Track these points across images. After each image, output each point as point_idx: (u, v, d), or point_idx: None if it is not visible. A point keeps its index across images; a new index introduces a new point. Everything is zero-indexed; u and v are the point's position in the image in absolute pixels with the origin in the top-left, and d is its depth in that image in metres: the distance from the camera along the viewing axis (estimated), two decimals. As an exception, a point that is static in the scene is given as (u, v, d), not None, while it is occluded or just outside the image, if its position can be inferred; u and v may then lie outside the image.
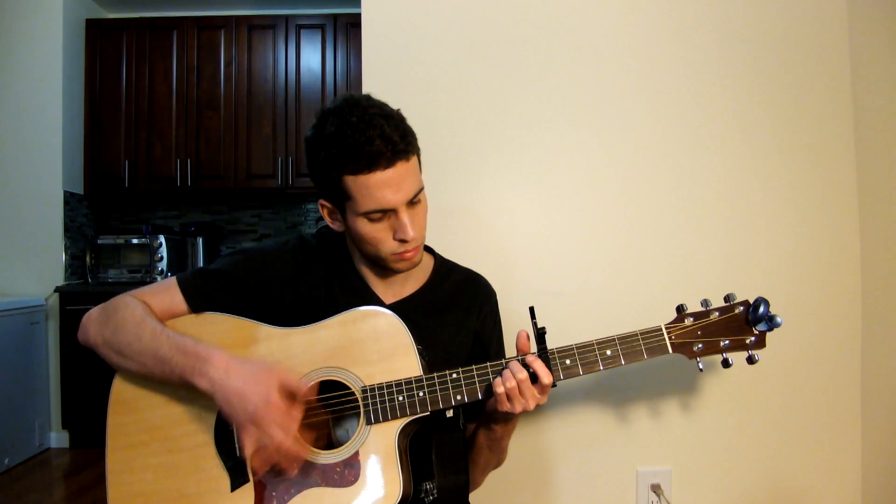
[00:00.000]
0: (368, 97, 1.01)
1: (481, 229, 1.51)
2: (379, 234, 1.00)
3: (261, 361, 0.97)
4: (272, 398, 0.91)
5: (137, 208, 3.94)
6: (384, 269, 1.07)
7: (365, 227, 1.00)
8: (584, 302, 1.50)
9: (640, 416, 1.50)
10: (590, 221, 1.51)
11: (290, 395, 0.93)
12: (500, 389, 0.96)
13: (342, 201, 1.00)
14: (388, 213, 0.98)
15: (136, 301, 1.04)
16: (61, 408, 3.28)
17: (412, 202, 1.00)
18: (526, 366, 0.97)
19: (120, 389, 1.05)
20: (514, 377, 0.96)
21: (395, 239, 1.00)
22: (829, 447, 1.50)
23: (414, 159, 1.00)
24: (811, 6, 1.50)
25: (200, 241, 3.73)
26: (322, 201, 1.05)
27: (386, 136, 0.94)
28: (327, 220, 1.08)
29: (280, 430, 0.90)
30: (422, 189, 1.02)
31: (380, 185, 0.95)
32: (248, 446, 0.92)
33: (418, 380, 0.98)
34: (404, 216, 0.98)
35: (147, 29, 3.59)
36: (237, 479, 0.99)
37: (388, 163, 0.94)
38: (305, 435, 1.00)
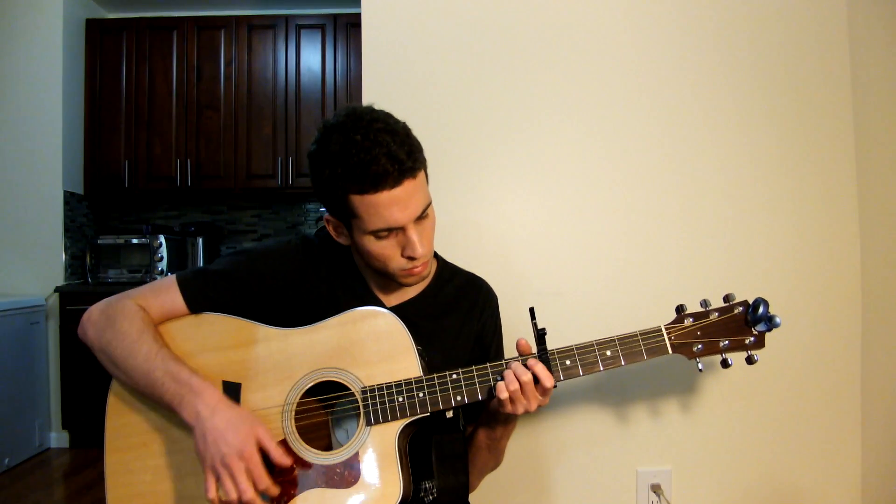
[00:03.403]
0: (372, 109, 0.99)
1: (481, 229, 1.51)
2: (387, 252, 0.99)
3: (248, 412, 0.97)
4: (246, 451, 0.92)
5: (137, 208, 3.93)
6: (392, 282, 1.07)
7: (372, 244, 0.98)
8: (584, 302, 1.50)
9: (640, 416, 1.50)
10: (589, 222, 1.51)
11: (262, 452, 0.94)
12: (503, 395, 0.96)
13: (348, 219, 0.99)
14: (395, 230, 0.97)
15: (136, 308, 1.03)
16: (61, 408, 3.28)
17: (420, 217, 0.98)
18: (527, 367, 0.97)
19: (118, 391, 1.05)
20: (518, 379, 0.96)
21: (403, 256, 0.99)
22: (829, 447, 1.50)
23: (421, 175, 0.98)
24: (811, 6, 1.50)
25: (200, 241, 3.73)
26: (328, 216, 1.04)
27: (392, 155, 0.91)
28: (332, 235, 1.07)
29: (244, 484, 0.91)
30: (430, 204, 1.00)
31: (387, 204, 0.93)
32: (212, 488, 0.92)
33: (418, 380, 0.98)
34: (412, 233, 0.97)
35: (147, 29, 3.59)
36: (237, 480, 0.99)
37: (395, 182, 0.93)
38: (305, 436, 1.01)
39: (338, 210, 0.99)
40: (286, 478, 0.98)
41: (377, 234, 0.97)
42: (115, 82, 3.58)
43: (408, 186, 0.94)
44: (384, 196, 0.93)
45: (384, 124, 0.95)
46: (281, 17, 3.62)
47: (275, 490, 0.94)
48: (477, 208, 1.51)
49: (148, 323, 1.02)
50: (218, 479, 0.92)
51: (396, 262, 1.00)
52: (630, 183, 1.50)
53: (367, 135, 0.92)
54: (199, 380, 0.97)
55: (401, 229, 0.97)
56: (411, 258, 0.99)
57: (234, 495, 0.91)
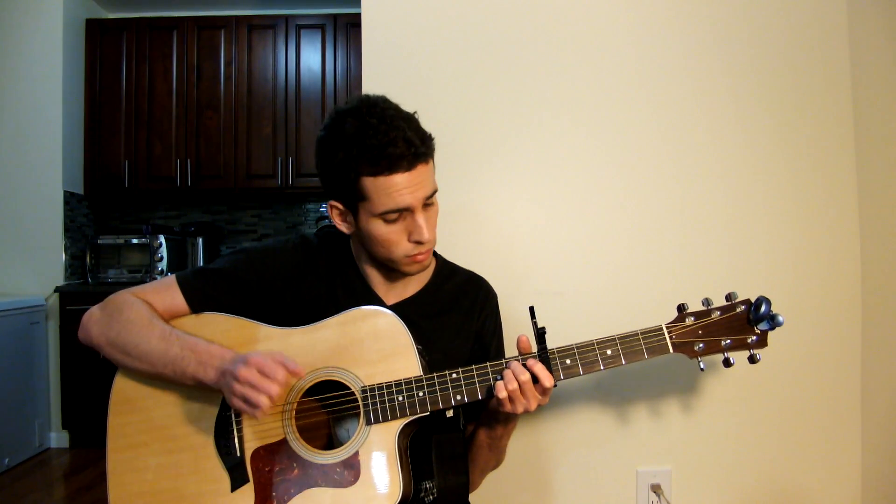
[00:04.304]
0: (384, 98, 1.01)
1: (482, 229, 1.51)
2: (393, 236, 1.00)
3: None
4: (251, 356, 0.92)
5: (137, 208, 3.93)
6: (393, 271, 1.07)
7: (380, 228, 0.99)
8: (585, 301, 1.50)
9: (641, 416, 1.50)
10: (590, 221, 1.51)
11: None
12: (502, 394, 0.96)
13: (356, 202, 1.00)
14: (404, 214, 0.98)
15: (139, 300, 1.04)
16: (61, 408, 3.28)
17: (427, 204, 1.00)
18: (527, 367, 0.97)
19: (120, 390, 1.05)
20: (517, 379, 0.96)
21: (409, 241, 1.00)
22: (829, 447, 1.50)
23: (431, 162, 1.00)
24: (811, 6, 1.50)
25: (200, 241, 3.73)
26: (333, 202, 1.04)
27: (408, 139, 0.94)
28: (336, 222, 1.07)
29: (265, 381, 0.90)
30: (436, 191, 1.02)
31: (398, 187, 0.95)
32: (243, 407, 0.91)
33: (418, 380, 0.98)
34: (420, 218, 0.99)
35: (147, 29, 3.59)
36: (237, 480, 0.99)
37: (409, 165, 0.95)
38: (305, 435, 1.01)
39: (346, 194, 1.00)
40: (286, 477, 0.98)
41: (386, 216, 0.98)
42: (115, 82, 3.58)
43: (420, 171, 0.96)
44: (397, 178, 0.95)
45: (397, 111, 0.98)
46: (281, 17, 3.62)
47: (295, 368, 0.93)
48: (478, 208, 1.51)
49: (154, 311, 1.04)
50: (244, 400, 0.91)
51: (402, 248, 1.01)
52: (631, 182, 1.50)
53: (383, 119, 0.95)
54: (217, 346, 0.98)
55: (409, 213, 0.98)
56: (418, 243, 1.00)
57: (263, 400, 0.89)
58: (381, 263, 1.07)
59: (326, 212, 1.07)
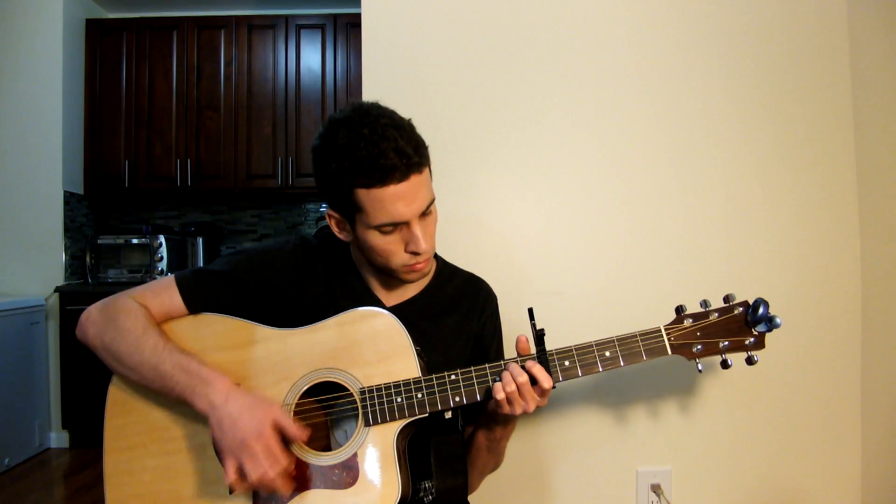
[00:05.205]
0: (378, 105, 0.99)
1: (481, 229, 1.51)
2: (390, 247, 0.99)
3: (262, 397, 0.97)
4: (265, 431, 0.92)
5: (137, 208, 3.94)
6: (393, 279, 1.07)
7: (376, 239, 0.99)
8: (584, 303, 1.49)
9: (640, 416, 1.50)
10: (589, 222, 1.50)
11: (283, 435, 0.95)
12: (500, 395, 0.96)
13: (352, 213, 0.99)
14: (400, 225, 0.97)
15: (137, 306, 1.03)
16: (61, 408, 3.28)
17: (424, 214, 0.99)
18: (525, 369, 0.97)
19: (117, 391, 1.05)
20: (515, 380, 0.96)
21: (406, 251, 0.99)
22: (829, 447, 1.50)
23: (426, 171, 0.98)
24: (811, 6, 1.50)
25: (200, 241, 3.73)
26: (330, 211, 1.04)
27: (400, 150, 0.92)
28: (334, 230, 1.07)
29: (266, 463, 0.91)
30: (433, 200, 1.01)
31: (393, 199, 0.94)
32: (231, 472, 0.92)
33: (417, 381, 0.98)
34: (416, 229, 0.97)
35: (147, 29, 3.59)
36: (235, 481, 0.98)
37: (402, 176, 0.93)
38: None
39: (342, 204, 0.99)
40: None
41: (381, 228, 0.97)
42: (115, 82, 3.58)
43: (414, 181, 0.95)
44: (390, 190, 0.93)
45: (390, 120, 0.96)
46: (281, 17, 3.62)
47: (293, 469, 0.95)
48: (477, 208, 1.51)
49: (150, 319, 1.02)
50: (239, 464, 0.92)
51: (399, 258, 1.00)
52: (630, 183, 1.50)
53: (374, 129, 0.93)
54: (208, 370, 0.97)
55: (405, 224, 0.97)
56: (415, 253, 0.99)
57: (254, 476, 0.90)
58: (383, 272, 1.07)
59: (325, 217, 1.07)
